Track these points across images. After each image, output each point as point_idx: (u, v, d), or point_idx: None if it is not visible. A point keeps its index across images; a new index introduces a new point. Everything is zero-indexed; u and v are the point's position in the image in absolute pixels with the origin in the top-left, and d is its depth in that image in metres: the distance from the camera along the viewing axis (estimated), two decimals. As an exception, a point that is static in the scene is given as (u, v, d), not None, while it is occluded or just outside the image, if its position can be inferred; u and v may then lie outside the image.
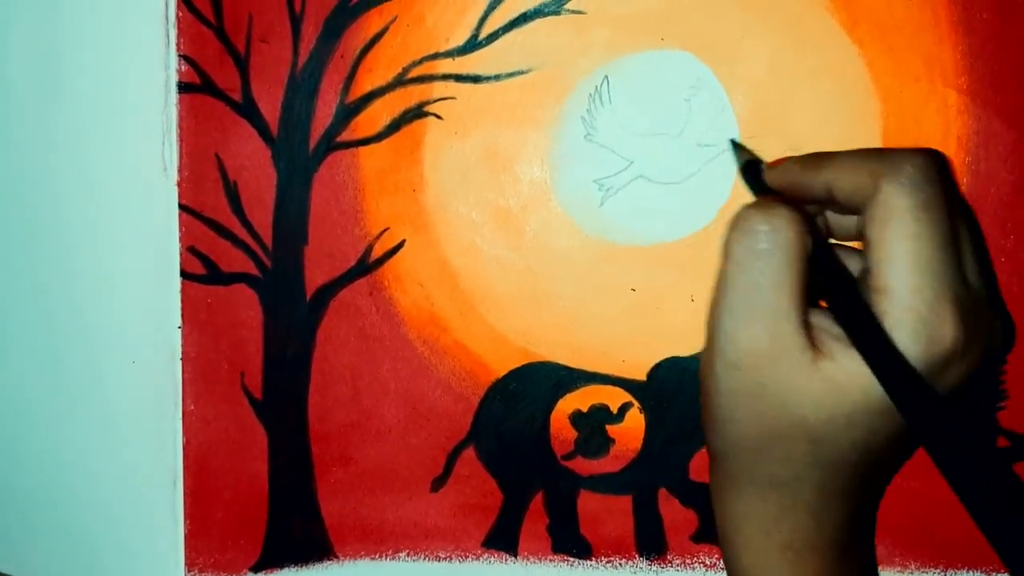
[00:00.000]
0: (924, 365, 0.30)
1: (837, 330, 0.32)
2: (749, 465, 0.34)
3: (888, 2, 0.40)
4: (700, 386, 0.35)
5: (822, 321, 0.32)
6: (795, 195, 0.35)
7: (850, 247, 0.37)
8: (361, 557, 0.45)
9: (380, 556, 0.45)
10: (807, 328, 0.32)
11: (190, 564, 0.46)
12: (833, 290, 0.33)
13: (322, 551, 0.45)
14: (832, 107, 0.41)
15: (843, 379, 0.31)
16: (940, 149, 0.41)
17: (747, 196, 0.41)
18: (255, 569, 0.46)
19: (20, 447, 0.47)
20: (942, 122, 0.41)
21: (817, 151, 0.36)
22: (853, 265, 0.36)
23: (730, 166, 0.41)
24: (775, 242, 0.32)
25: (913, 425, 0.30)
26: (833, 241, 0.37)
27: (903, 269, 0.31)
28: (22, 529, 0.47)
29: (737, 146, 0.40)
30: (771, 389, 0.32)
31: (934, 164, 0.32)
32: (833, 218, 0.37)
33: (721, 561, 0.43)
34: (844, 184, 0.33)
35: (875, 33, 0.41)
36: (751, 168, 0.38)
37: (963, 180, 0.41)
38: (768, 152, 0.41)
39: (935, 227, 0.31)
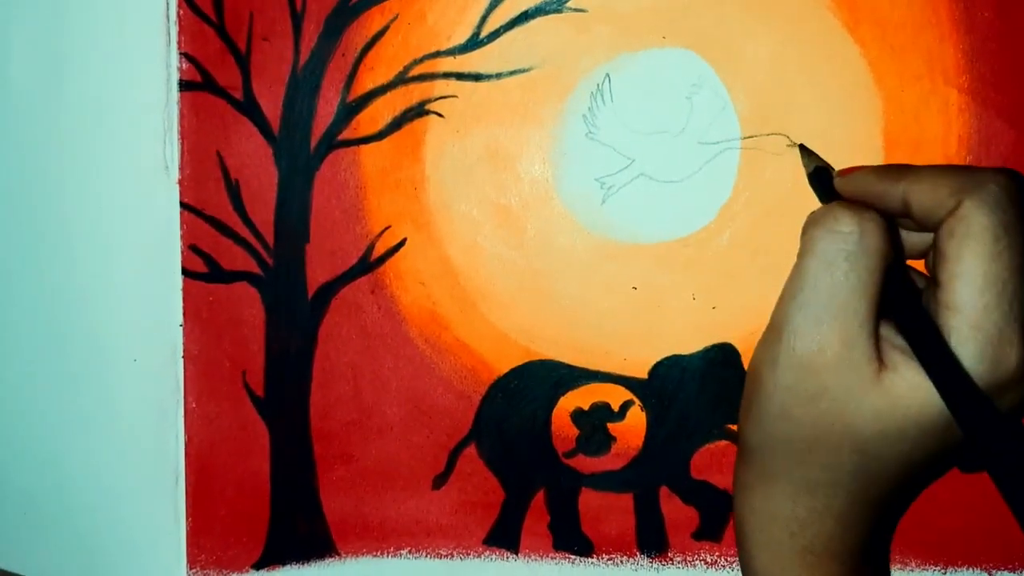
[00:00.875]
0: (985, 385, 0.30)
1: (902, 343, 0.32)
2: (789, 465, 0.34)
3: (890, 1, 0.40)
4: (752, 378, 0.34)
5: (888, 333, 0.32)
6: (868, 204, 0.35)
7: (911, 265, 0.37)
8: (363, 554, 0.45)
9: (382, 553, 0.45)
10: (876, 338, 0.32)
11: (192, 561, 0.46)
12: (902, 302, 0.32)
13: (324, 548, 0.45)
14: (833, 105, 0.41)
15: (903, 392, 0.31)
16: (942, 148, 0.41)
17: (745, 196, 0.42)
18: (257, 566, 0.46)
19: (22, 445, 0.47)
20: (943, 121, 0.41)
21: (894, 163, 0.36)
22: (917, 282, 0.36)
23: (731, 164, 0.41)
24: (864, 246, 0.32)
25: (973, 441, 0.30)
26: None
27: (976, 287, 0.31)
28: (25, 526, 0.47)
29: (806, 151, 0.40)
30: (832, 394, 0.32)
31: (1017, 186, 0.32)
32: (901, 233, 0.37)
33: (722, 559, 0.43)
34: (924, 198, 0.33)
35: (876, 32, 0.41)
36: (821, 174, 0.37)
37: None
38: (772, 149, 0.41)
39: (1013, 250, 0.31)
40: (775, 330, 0.33)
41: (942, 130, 0.41)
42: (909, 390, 0.31)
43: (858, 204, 0.33)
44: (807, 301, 0.32)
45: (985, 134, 0.40)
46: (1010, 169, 0.33)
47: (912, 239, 0.36)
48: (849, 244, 0.32)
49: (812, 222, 0.33)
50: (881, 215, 0.33)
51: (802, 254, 0.33)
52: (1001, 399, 0.31)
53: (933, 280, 0.33)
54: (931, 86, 0.41)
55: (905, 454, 0.32)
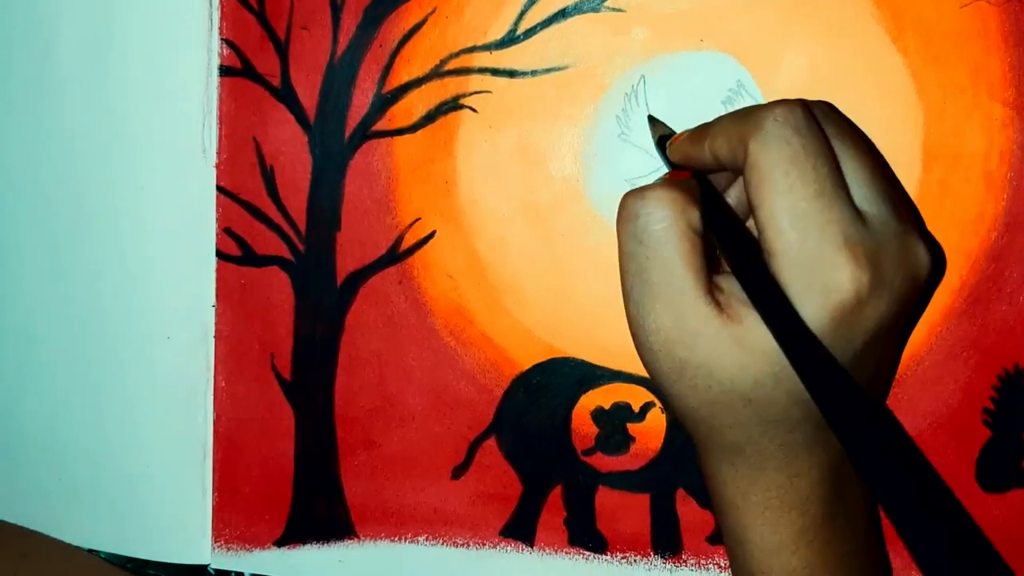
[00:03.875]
0: (828, 316, 0.30)
1: (744, 295, 0.32)
2: (706, 435, 0.34)
3: (938, 11, 0.39)
4: None
5: (733, 287, 0.32)
6: (695, 167, 0.35)
7: None
8: (381, 539, 0.46)
9: (400, 539, 0.46)
10: (715, 297, 0.32)
11: (217, 535, 0.47)
12: (730, 257, 0.32)
13: (343, 530, 0.46)
14: (873, 115, 0.40)
15: (757, 342, 0.31)
16: (982, 163, 0.40)
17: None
18: (279, 543, 0.47)
19: (59, 419, 0.48)
20: (985, 135, 0.40)
21: (705, 122, 0.35)
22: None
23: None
24: (654, 222, 0.32)
25: (810, 390, 0.30)
26: None
27: (782, 227, 0.30)
28: (60, 493, 0.49)
29: (653, 121, 0.40)
30: (693, 363, 0.32)
31: (798, 111, 0.31)
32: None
33: (736, 563, 0.43)
34: (723, 153, 0.33)
35: (921, 42, 0.40)
36: (663, 143, 0.38)
37: (1004, 195, 0.40)
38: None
39: (806, 175, 0.30)
40: (629, 327, 0.34)
41: (984, 144, 0.40)
42: (762, 339, 0.31)
43: (657, 184, 0.33)
44: (629, 291, 0.33)
45: (1027, 151, 0.40)
46: (792, 99, 0.32)
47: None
48: (641, 226, 0.32)
49: (621, 207, 0.33)
50: (702, 178, 0.33)
51: (620, 249, 0.34)
52: (858, 322, 0.30)
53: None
54: (974, 99, 0.40)
55: (797, 393, 0.31)
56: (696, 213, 0.32)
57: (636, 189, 0.33)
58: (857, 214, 0.31)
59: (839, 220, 0.30)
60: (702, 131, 0.35)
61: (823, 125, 0.32)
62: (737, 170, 0.33)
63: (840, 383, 0.29)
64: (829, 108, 0.35)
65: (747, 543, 0.35)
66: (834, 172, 0.31)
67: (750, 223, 0.36)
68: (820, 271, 0.30)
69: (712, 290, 0.32)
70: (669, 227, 0.32)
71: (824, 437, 0.33)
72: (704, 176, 0.36)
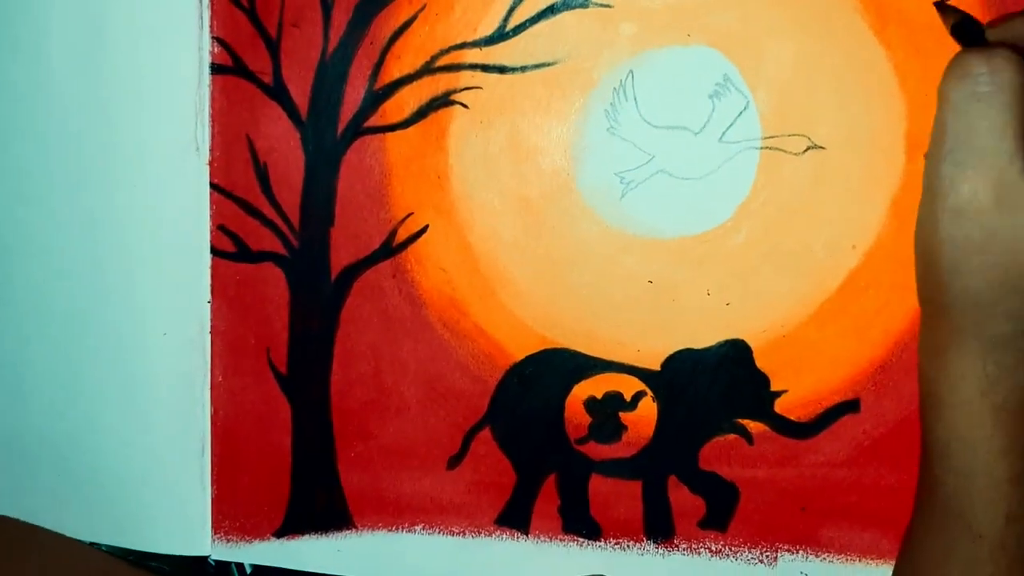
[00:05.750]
0: None
1: None
2: (974, 321, 0.33)
3: (920, 5, 0.40)
4: (919, 241, 0.34)
5: None
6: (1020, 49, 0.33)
7: None
8: (379, 528, 0.47)
9: (397, 528, 0.47)
10: None
11: (216, 527, 0.48)
12: None
13: (341, 521, 0.47)
14: (857, 107, 0.41)
15: None
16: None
17: (762, 196, 0.42)
18: (278, 534, 0.48)
19: (59, 415, 0.49)
20: (967, 126, 0.40)
21: None
22: None
23: (750, 163, 0.42)
24: (996, 84, 0.31)
25: None
26: None
27: None
28: (61, 487, 0.49)
29: (943, 6, 0.38)
30: (1000, 236, 0.31)
31: None
32: None
33: (727, 547, 0.44)
34: None
35: (904, 34, 0.40)
36: (966, 25, 0.36)
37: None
38: (792, 150, 0.42)
39: None
40: (928, 190, 0.33)
41: (966, 135, 0.41)
42: None
43: (991, 46, 0.32)
44: (949, 150, 0.32)
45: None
46: None
47: None
48: (980, 85, 0.31)
49: (944, 74, 0.32)
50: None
51: (938, 108, 0.32)
52: None
53: None
54: (956, 91, 0.40)
55: None
56: None
57: (974, 48, 0.32)
58: None
59: None
60: None
61: None
62: None
63: None
64: None
65: (972, 442, 0.34)
66: None
67: None
68: None
69: None
70: (1012, 90, 0.31)
71: None
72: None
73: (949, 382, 0.34)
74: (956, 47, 0.40)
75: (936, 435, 0.35)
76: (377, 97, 0.44)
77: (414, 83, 0.44)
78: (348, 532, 0.47)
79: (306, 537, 0.47)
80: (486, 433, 0.46)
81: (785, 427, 0.43)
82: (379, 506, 0.47)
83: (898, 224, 0.41)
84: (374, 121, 0.44)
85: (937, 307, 0.34)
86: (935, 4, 0.38)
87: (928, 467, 0.36)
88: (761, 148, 0.42)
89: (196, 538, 0.48)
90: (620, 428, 0.45)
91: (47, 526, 0.50)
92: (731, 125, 0.42)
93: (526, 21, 0.42)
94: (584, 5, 0.42)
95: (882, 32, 0.40)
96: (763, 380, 0.43)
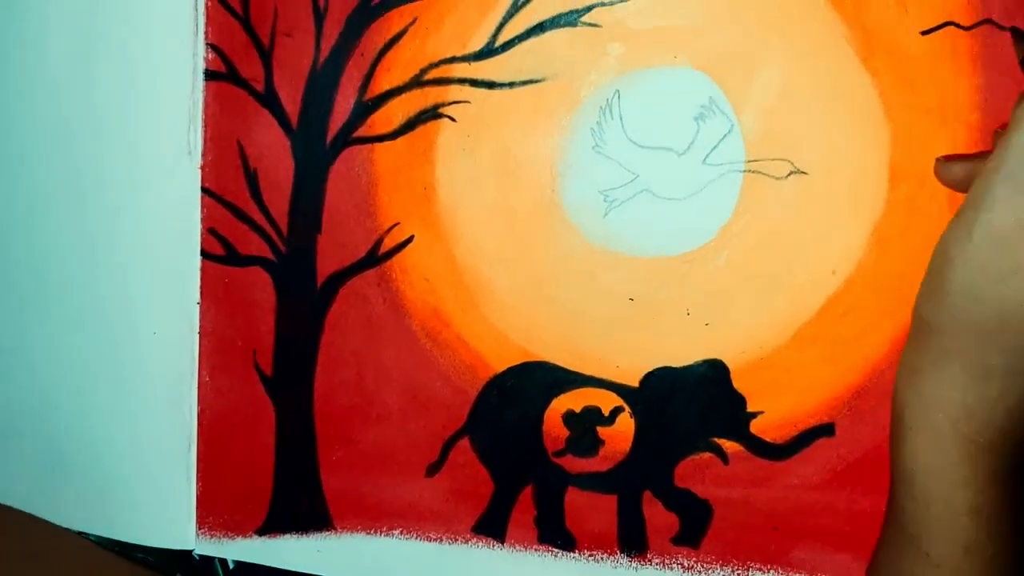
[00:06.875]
0: None
1: None
2: (968, 348, 0.33)
3: (908, 34, 0.40)
4: (940, 255, 0.33)
5: None
6: None
7: None
8: (357, 531, 0.48)
9: (375, 532, 0.47)
10: None
11: (201, 523, 0.49)
12: None
13: (321, 522, 0.48)
14: (841, 134, 0.41)
15: None
16: (948, 182, 0.41)
17: (744, 219, 0.42)
18: (260, 532, 0.48)
19: (52, 410, 0.50)
20: (951, 156, 0.41)
21: None
22: None
23: (733, 186, 0.42)
24: None
25: None
26: None
27: None
28: (51, 479, 0.50)
29: (1019, 34, 0.38)
30: None
31: None
32: None
33: (699, 564, 0.45)
34: None
35: (891, 63, 0.40)
36: None
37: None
38: (775, 174, 0.42)
39: None
40: (971, 204, 0.32)
41: (950, 164, 0.41)
42: None
43: None
44: (1011, 173, 0.31)
45: (990, 174, 0.40)
46: None
47: None
48: None
49: (1019, 98, 0.32)
50: None
51: (1010, 130, 0.31)
52: None
53: None
54: (941, 120, 0.40)
55: None
56: None
57: None
58: None
59: None
60: None
61: None
62: None
63: None
64: None
65: (934, 470, 0.34)
66: None
67: None
68: None
69: None
70: None
71: None
72: None
73: (923, 407, 0.34)
74: (944, 79, 0.40)
75: (902, 460, 0.35)
76: (366, 108, 0.44)
77: (403, 95, 0.44)
78: (328, 533, 0.48)
79: (287, 536, 0.48)
80: (465, 443, 0.46)
81: (760, 448, 0.44)
82: (359, 509, 0.47)
83: (879, 251, 0.41)
84: (363, 131, 0.45)
85: (930, 325, 0.34)
86: (1011, 31, 0.38)
87: (893, 492, 0.36)
88: (744, 171, 0.42)
89: (181, 532, 0.49)
90: (597, 442, 0.45)
91: (39, 515, 0.51)
92: (715, 147, 0.42)
93: (515, 38, 0.43)
94: (573, 24, 0.42)
95: (869, 60, 0.40)
96: (740, 401, 0.44)
